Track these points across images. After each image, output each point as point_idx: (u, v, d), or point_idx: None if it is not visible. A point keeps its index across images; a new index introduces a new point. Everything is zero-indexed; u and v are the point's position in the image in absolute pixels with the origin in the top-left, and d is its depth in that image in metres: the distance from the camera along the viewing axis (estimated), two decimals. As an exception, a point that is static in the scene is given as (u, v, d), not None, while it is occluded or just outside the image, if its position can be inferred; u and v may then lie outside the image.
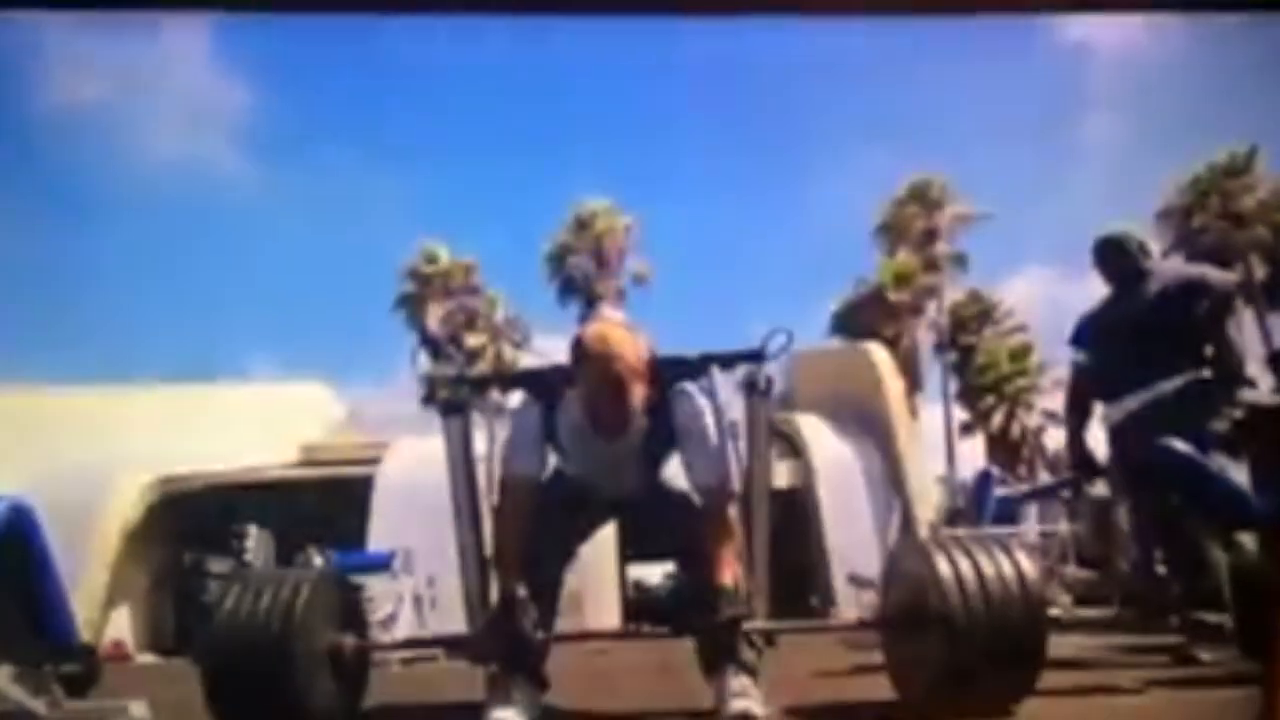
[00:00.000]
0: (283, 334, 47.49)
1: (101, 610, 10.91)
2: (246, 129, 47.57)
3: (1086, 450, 3.91)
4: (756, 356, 2.78)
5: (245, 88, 53.55)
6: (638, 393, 2.51)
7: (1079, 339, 3.91)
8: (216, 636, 2.50)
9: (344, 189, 46.75)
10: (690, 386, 2.73)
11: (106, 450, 11.88)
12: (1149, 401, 3.51)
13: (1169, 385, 3.47)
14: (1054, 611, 5.38)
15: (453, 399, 2.91)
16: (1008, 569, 2.39)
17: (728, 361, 2.81)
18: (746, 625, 2.55)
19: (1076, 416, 3.91)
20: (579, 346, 2.55)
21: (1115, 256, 3.76)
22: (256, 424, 13.72)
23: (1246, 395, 3.53)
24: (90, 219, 45.12)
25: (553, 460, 2.83)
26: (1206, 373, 3.49)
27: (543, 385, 2.77)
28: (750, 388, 2.79)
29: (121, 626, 11.52)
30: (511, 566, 2.66)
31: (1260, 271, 25.67)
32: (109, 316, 43.44)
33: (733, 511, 2.67)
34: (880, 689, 2.77)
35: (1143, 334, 3.58)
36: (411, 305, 28.80)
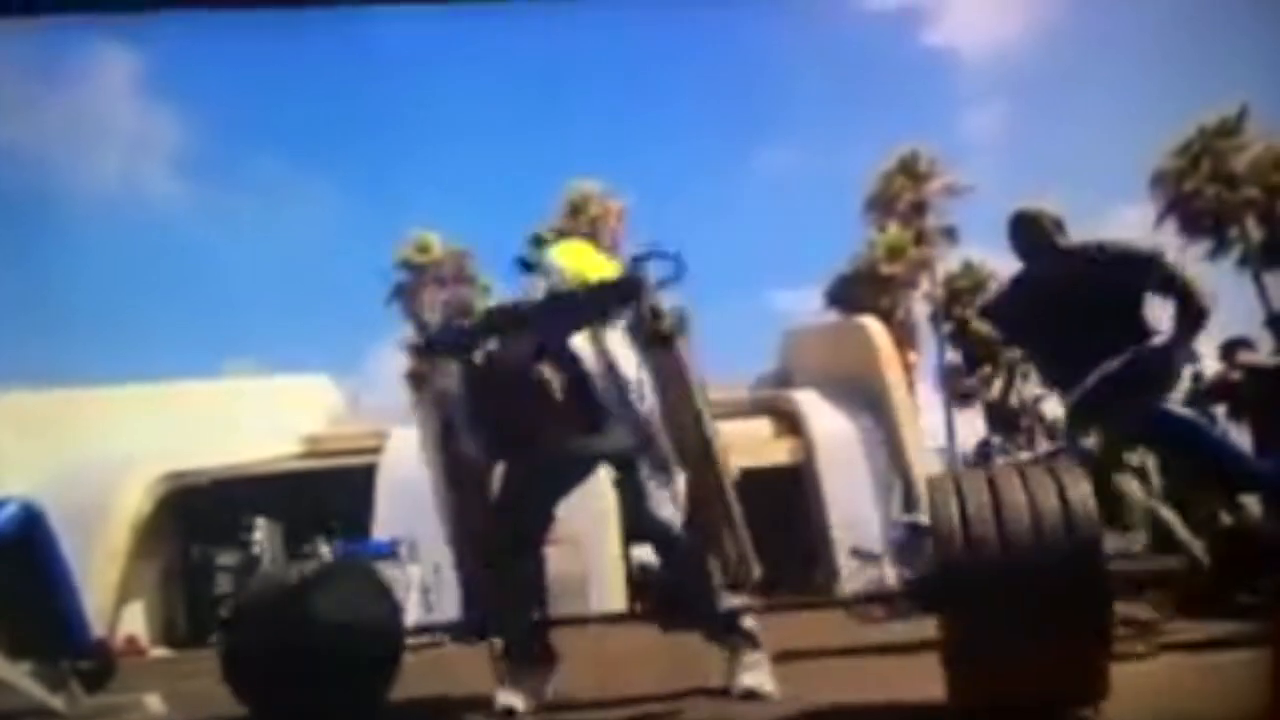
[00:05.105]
0: (280, 328, 47.23)
1: (114, 606, 10.97)
2: (239, 121, 47.26)
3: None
4: (629, 291, 2.08)
5: (240, 80, 53.11)
6: None
7: (991, 313, 3.80)
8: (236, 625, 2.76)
9: (337, 180, 46.50)
10: (583, 349, 2.42)
11: (113, 449, 11.90)
12: (1100, 380, 3.46)
13: (1114, 364, 3.42)
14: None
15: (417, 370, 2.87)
16: (1050, 500, 1.86)
17: (602, 307, 2.17)
18: (743, 605, 2.55)
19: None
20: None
21: (1027, 233, 3.66)
22: (260, 417, 13.71)
23: (1246, 357, 3.53)
24: (81, 217, 44.76)
25: None
26: (1153, 342, 3.42)
27: (460, 342, 2.78)
28: (636, 331, 2.17)
29: (134, 622, 11.60)
30: (474, 549, 2.83)
31: (1256, 233, 25.56)
32: (108, 319, 43.12)
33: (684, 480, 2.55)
34: (890, 665, 2.78)
35: (1077, 314, 3.49)
36: (405, 295, 28.72)
